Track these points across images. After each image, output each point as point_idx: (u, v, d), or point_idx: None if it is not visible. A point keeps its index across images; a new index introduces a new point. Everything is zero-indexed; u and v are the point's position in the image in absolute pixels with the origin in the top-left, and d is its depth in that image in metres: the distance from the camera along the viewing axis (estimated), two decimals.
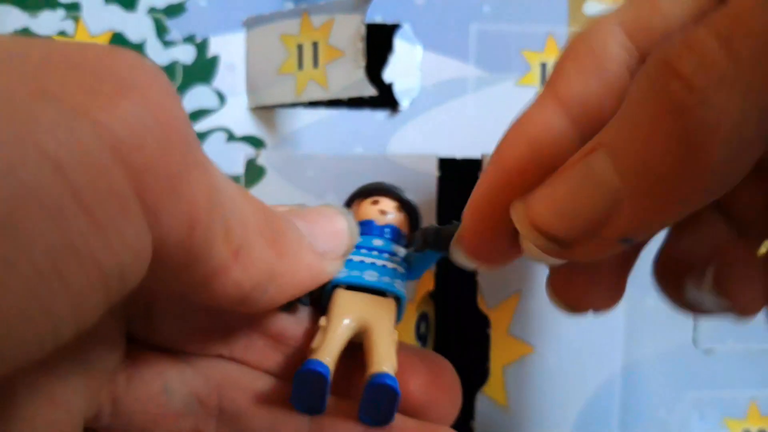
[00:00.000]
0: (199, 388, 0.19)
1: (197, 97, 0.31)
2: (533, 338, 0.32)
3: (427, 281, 0.32)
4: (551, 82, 0.17)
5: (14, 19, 0.30)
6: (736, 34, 0.12)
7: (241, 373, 0.19)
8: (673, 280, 0.20)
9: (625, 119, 0.14)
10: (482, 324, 0.31)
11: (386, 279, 0.20)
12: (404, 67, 0.31)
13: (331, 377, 0.18)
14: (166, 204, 0.12)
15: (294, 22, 0.31)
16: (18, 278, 0.10)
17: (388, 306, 0.19)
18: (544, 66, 0.32)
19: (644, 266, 0.32)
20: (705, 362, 0.33)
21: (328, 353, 0.18)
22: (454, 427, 0.33)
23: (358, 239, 0.20)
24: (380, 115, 0.31)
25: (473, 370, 0.32)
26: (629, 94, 0.14)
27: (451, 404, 0.19)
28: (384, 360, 0.18)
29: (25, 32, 0.30)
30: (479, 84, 0.31)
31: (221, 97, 0.31)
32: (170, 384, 0.18)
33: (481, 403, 0.32)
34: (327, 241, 0.18)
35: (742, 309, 0.18)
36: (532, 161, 0.16)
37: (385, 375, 0.18)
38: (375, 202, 0.21)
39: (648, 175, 0.13)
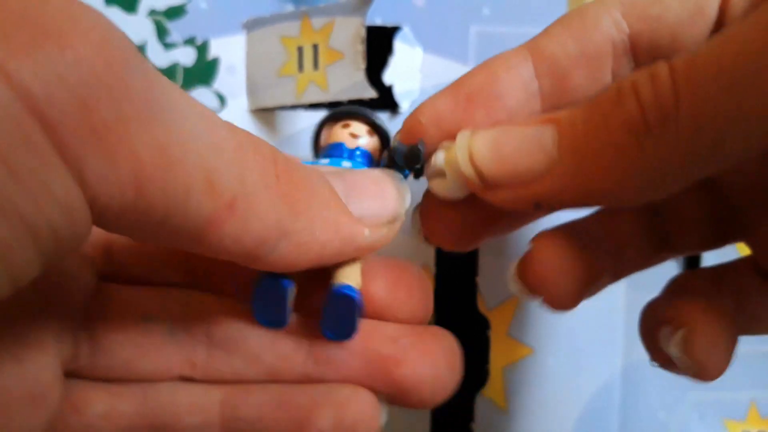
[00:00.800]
0: (181, 315, 0.18)
1: (198, 98, 0.31)
2: (533, 340, 0.32)
3: None
4: (534, 38, 0.18)
5: None
6: (686, 83, 0.14)
7: (220, 301, 0.19)
8: (649, 331, 0.21)
9: (585, 110, 0.16)
10: (482, 325, 0.31)
11: None
12: (404, 69, 0.31)
13: (293, 289, 0.17)
14: (93, 163, 0.11)
15: (294, 24, 0.31)
16: None
17: None
18: None
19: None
20: None
21: None
22: (453, 428, 0.33)
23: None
24: (380, 117, 0.31)
25: (473, 372, 0.32)
26: (600, 93, 0.16)
27: (417, 303, 0.19)
28: (347, 275, 0.18)
29: None
30: None
31: (222, 99, 0.31)
32: (150, 313, 0.18)
33: (481, 404, 0.32)
34: (367, 205, 0.17)
35: (704, 373, 0.18)
36: (486, 95, 0.18)
37: (345, 286, 0.17)
38: (346, 126, 0.21)
39: (580, 164, 0.16)
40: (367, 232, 0.17)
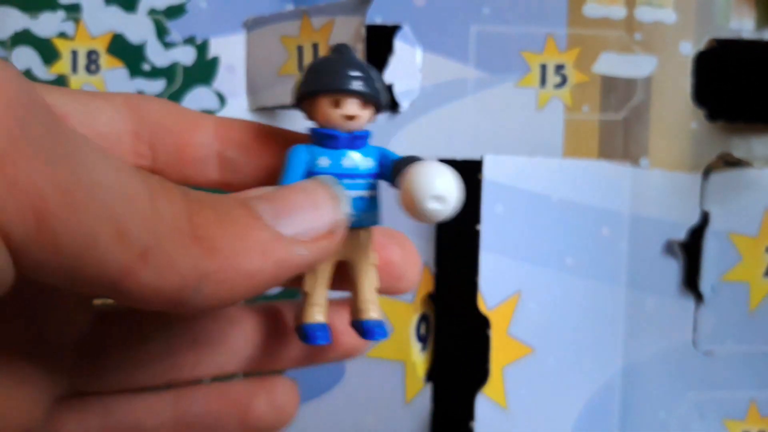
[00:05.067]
0: (167, 321, 0.19)
1: (198, 98, 0.31)
2: (533, 339, 0.32)
3: (427, 283, 0.32)
4: None
5: (15, 20, 0.30)
6: None
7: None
8: None
9: None
10: (482, 325, 0.31)
11: (364, 216, 0.18)
12: (404, 68, 0.31)
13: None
14: None
15: (294, 24, 0.31)
16: None
17: (365, 234, 0.19)
18: (543, 67, 0.32)
19: (644, 267, 0.32)
20: (705, 363, 0.33)
21: (321, 299, 0.18)
22: (452, 428, 0.33)
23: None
24: (380, 117, 0.31)
25: (473, 371, 0.32)
26: None
27: (417, 267, 0.21)
28: (370, 304, 0.19)
29: (26, 34, 0.30)
30: (479, 85, 0.32)
31: (222, 99, 0.31)
32: (150, 334, 0.19)
33: (481, 403, 0.32)
34: (300, 221, 0.16)
35: None
36: None
37: (375, 324, 0.18)
38: (336, 104, 0.17)
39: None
40: (302, 250, 0.16)
